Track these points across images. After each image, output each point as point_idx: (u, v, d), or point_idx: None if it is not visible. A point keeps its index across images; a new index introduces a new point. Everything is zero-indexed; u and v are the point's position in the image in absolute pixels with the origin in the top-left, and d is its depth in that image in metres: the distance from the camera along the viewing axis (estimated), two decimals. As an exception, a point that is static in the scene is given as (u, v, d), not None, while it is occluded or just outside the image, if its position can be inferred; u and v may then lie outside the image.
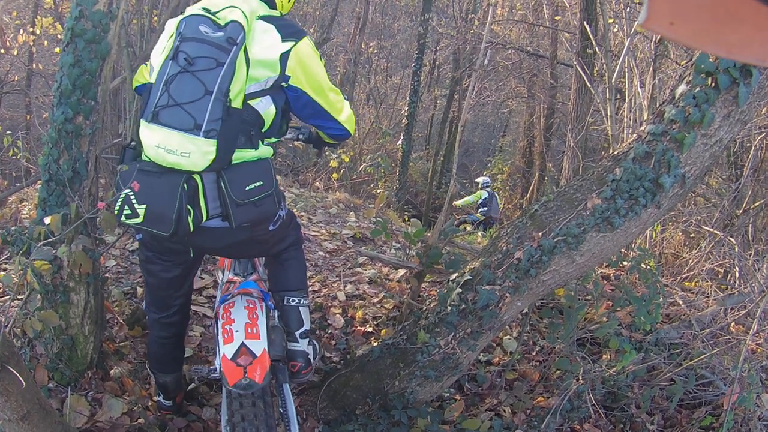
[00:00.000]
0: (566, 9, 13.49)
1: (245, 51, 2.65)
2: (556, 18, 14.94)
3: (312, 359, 3.35)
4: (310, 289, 5.29)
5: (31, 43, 11.87)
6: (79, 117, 3.20)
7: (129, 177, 2.67)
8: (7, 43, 11.23)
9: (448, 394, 4.31)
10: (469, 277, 3.65)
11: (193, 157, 2.56)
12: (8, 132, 7.15)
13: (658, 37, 7.26)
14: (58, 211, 3.20)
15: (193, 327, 4.59)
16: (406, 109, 16.10)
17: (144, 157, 2.71)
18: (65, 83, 3.13)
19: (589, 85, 8.50)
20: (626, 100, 7.62)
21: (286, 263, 3.36)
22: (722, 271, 6.46)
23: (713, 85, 3.09)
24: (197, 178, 2.68)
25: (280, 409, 3.07)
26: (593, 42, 8.56)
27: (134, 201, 2.63)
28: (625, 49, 6.60)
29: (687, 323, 4.89)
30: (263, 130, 2.87)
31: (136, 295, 4.67)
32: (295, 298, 3.32)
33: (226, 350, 2.87)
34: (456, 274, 3.80)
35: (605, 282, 5.38)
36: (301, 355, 3.27)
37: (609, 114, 6.32)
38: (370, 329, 4.98)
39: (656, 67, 7.41)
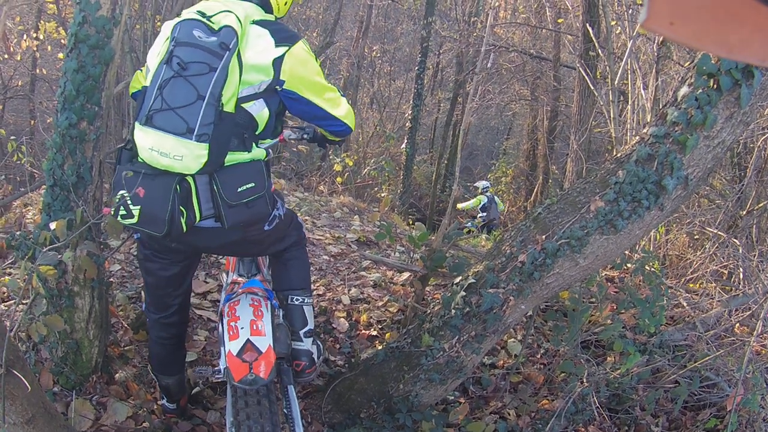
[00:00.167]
0: (569, 11, 13.48)
1: (238, 56, 2.68)
2: (559, 21, 14.92)
3: (316, 359, 3.37)
4: (314, 293, 5.30)
5: (35, 48, 11.88)
6: (83, 122, 3.21)
7: (125, 180, 2.70)
8: (11, 48, 11.25)
9: (452, 398, 4.31)
10: (473, 281, 3.65)
11: (186, 161, 2.59)
12: (12, 137, 7.16)
13: (661, 39, 7.26)
14: (63, 216, 3.21)
15: (198, 331, 4.59)
16: (410, 112, 16.10)
17: (139, 159, 2.74)
18: (69, 89, 3.15)
19: (592, 88, 8.49)
20: (629, 102, 7.62)
21: (288, 263, 3.37)
22: (726, 272, 6.45)
23: (715, 86, 3.09)
24: (190, 180, 2.71)
25: (285, 411, 3.08)
26: (596, 44, 8.56)
27: (129, 202, 2.67)
28: (627, 51, 6.60)
29: (691, 325, 4.88)
30: (257, 133, 2.90)
31: (140, 300, 4.67)
32: (298, 298, 3.34)
33: (232, 346, 2.88)
34: (460, 278, 3.80)
35: (609, 284, 5.38)
36: (305, 354, 3.28)
37: (612, 116, 6.33)
38: (374, 333, 4.98)
39: (659, 69, 7.40)
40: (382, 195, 13.17)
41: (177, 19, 2.79)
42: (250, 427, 2.82)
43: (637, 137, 3.46)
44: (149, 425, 3.54)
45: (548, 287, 3.54)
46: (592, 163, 10.20)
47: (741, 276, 5.98)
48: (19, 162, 6.95)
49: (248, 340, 2.89)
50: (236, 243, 3.02)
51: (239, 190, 2.77)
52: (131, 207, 2.67)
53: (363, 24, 17.55)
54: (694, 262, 6.63)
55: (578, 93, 10.67)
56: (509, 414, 4.22)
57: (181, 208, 2.68)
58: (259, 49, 2.76)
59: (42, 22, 11.96)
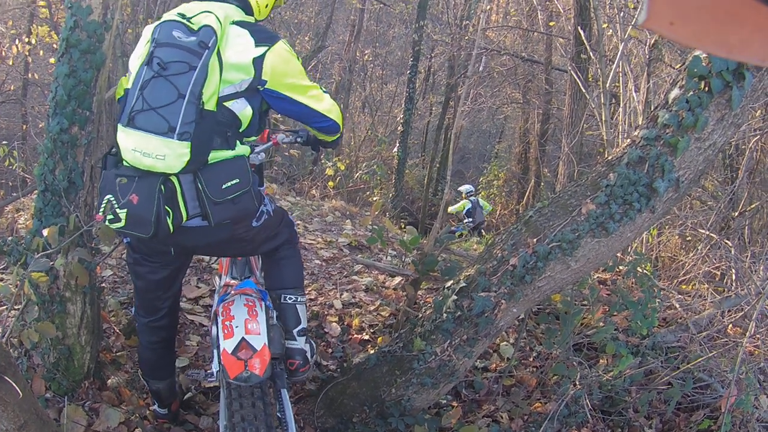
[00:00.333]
0: (560, 14, 13.50)
1: (218, 54, 2.70)
2: (551, 23, 14.95)
3: (309, 357, 3.37)
4: (306, 297, 5.30)
5: (27, 53, 11.86)
6: (75, 127, 3.21)
7: (119, 186, 2.70)
8: (3, 53, 11.23)
9: (445, 401, 4.31)
10: (465, 284, 3.65)
11: (168, 160, 2.60)
12: (4, 142, 7.16)
13: (652, 41, 7.28)
14: (54, 221, 3.21)
15: (190, 336, 4.59)
16: (402, 116, 16.09)
17: (124, 162, 2.75)
18: (60, 93, 3.14)
19: (583, 90, 8.50)
20: (621, 105, 7.63)
21: (281, 261, 3.38)
22: (719, 273, 6.46)
23: (706, 88, 3.10)
24: (174, 179, 2.72)
25: (279, 414, 3.08)
26: (587, 47, 8.59)
27: (115, 206, 2.67)
28: (619, 53, 6.62)
29: (684, 326, 4.90)
30: (241, 131, 2.92)
31: (132, 305, 4.67)
32: (291, 296, 3.34)
33: (227, 345, 2.89)
34: (451, 282, 3.81)
35: (601, 287, 5.38)
36: (298, 352, 3.29)
37: (604, 119, 6.35)
38: (366, 337, 4.98)
39: (651, 71, 7.42)
40: (374, 199, 13.17)
41: (157, 22, 2.82)
42: (244, 429, 2.81)
43: (628, 140, 3.47)
44: (141, 431, 3.53)
45: (540, 290, 3.54)
46: (584, 165, 10.20)
47: (733, 277, 5.99)
48: (10, 167, 6.95)
49: (243, 338, 2.89)
50: (226, 241, 3.03)
51: (224, 186, 2.77)
52: (118, 210, 2.67)
53: (355, 28, 17.55)
54: (687, 264, 6.64)
55: (570, 96, 10.69)
56: (502, 417, 4.22)
57: (166, 208, 2.68)
58: (239, 48, 2.78)
59: (34, 26, 11.95)
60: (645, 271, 4.54)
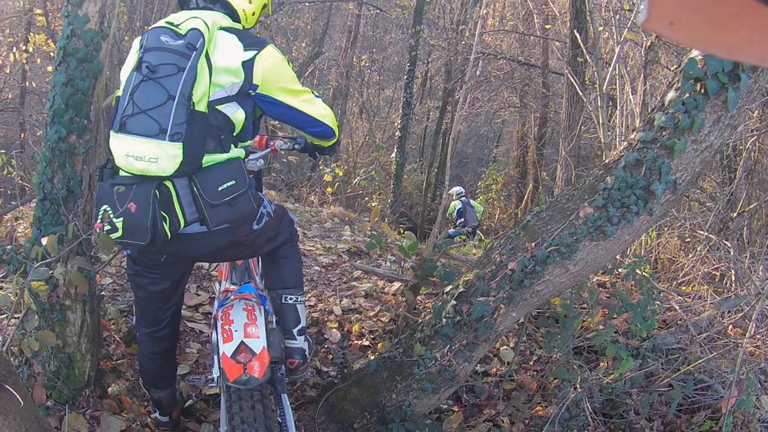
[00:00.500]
0: (556, 18, 13.51)
1: (207, 57, 2.71)
2: (547, 27, 14.98)
3: (308, 355, 3.37)
4: (306, 303, 5.30)
5: (24, 61, 11.88)
6: (73, 136, 3.21)
7: (116, 195, 2.70)
8: (1, 61, 11.24)
9: (446, 406, 4.31)
10: (464, 289, 3.65)
11: (161, 162, 2.60)
12: (2, 150, 7.16)
13: (649, 44, 7.30)
14: (53, 230, 3.21)
15: (190, 344, 4.58)
16: (399, 121, 16.05)
17: (121, 173, 2.75)
18: (58, 102, 3.15)
19: (580, 94, 8.50)
20: (618, 108, 7.65)
21: (281, 261, 3.37)
22: (718, 274, 6.46)
23: (702, 90, 3.10)
24: (169, 184, 2.71)
25: (279, 420, 3.08)
26: (584, 50, 8.59)
27: (112, 215, 2.66)
28: (615, 56, 6.62)
29: (684, 328, 4.90)
30: (235, 134, 2.92)
31: (132, 313, 4.66)
32: (292, 296, 3.34)
33: (226, 349, 2.89)
34: (450, 287, 3.81)
35: (601, 290, 5.39)
36: (298, 352, 3.29)
37: (601, 122, 6.34)
38: (366, 343, 4.98)
39: (647, 74, 7.44)
40: (373, 205, 13.15)
41: (145, 31, 2.84)
42: (244, 431, 2.82)
43: (625, 143, 3.48)
44: (142, 438, 3.54)
45: (539, 294, 3.55)
46: (582, 168, 10.22)
47: (733, 278, 5.99)
48: (9, 175, 6.95)
49: (242, 342, 2.90)
50: (228, 247, 3.01)
51: (220, 188, 2.76)
52: (114, 220, 2.66)
53: (351, 34, 17.60)
54: (686, 265, 6.64)
55: (567, 99, 10.68)
56: (503, 421, 4.22)
57: (162, 213, 2.67)
58: (227, 52, 2.79)
59: (32, 34, 11.96)
60: (644, 273, 4.55)
